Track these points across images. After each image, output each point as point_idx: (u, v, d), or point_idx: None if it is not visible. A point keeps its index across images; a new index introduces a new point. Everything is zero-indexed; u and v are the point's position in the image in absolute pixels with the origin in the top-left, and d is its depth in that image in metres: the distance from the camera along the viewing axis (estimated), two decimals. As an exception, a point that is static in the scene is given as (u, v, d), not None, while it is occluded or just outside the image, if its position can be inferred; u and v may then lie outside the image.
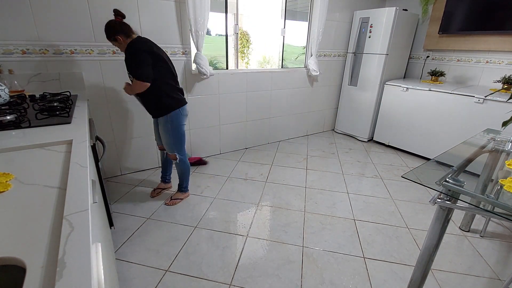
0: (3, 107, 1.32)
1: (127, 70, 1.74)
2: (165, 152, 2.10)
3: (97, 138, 1.52)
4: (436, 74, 3.23)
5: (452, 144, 1.67)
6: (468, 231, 1.95)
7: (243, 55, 4.96)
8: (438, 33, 3.19)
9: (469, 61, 3.14)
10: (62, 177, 0.79)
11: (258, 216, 2.04)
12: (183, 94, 1.93)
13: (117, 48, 2.17)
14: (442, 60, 3.37)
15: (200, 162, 2.81)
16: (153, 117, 1.96)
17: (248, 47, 5.04)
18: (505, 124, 1.32)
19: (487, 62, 3.00)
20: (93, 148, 1.35)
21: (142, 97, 1.83)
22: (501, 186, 1.10)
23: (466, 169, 1.31)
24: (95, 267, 0.51)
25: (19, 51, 1.89)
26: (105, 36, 2.18)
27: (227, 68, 2.96)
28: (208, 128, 2.92)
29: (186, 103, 1.93)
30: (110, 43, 2.13)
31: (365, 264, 1.63)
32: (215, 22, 2.95)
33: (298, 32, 3.49)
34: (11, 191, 0.73)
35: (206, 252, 1.68)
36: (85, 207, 0.64)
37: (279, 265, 1.60)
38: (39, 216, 0.63)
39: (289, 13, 3.18)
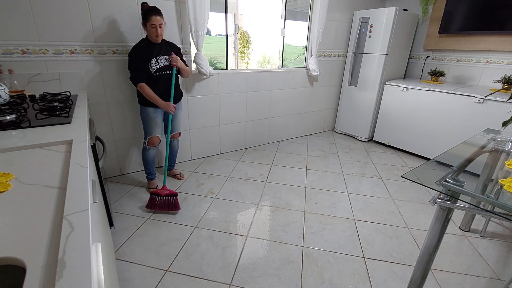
0: (3, 107, 1.32)
1: (170, 55, 2.06)
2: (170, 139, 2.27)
3: (97, 138, 1.52)
4: (436, 74, 3.23)
5: (452, 144, 1.67)
6: (468, 231, 1.95)
7: (243, 55, 4.96)
8: (438, 33, 3.19)
9: (469, 61, 3.14)
10: (62, 177, 0.79)
11: (258, 216, 2.04)
12: None
13: (117, 49, 2.20)
14: (442, 60, 3.37)
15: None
16: (173, 102, 2.12)
17: (248, 47, 5.03)
18: (505, 124, 1.32)
19: (487, 62, 3.00)
20: (93, 148, 1.34)
21: (177, 82, 2.17)
22: (501, 186, 1.10)
23: (466, 169, 1.31)
24: (95, 267, 0.51)
25: (19, 51, 1.89)
26: (104, 36, 2.19)
27: (227, 68, 2.96)
28: (208, 128, 2.92)
29: None
30: (110, 43, 2.16)
31: (365, 264, 1.63)
32: (215, 22, 2.95)
33: (298, 32, 3.49)
34: (11, 191, 0.73)
35: (206, 252, 1.68)
36: (85, 207, 0.64)
37: (279, 265, 1.60)
38: (39, 216, 0.63)
39: (289, 13, 3.18)
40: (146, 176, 2.36)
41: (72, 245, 0.52)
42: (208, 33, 2.94)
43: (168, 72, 2.06)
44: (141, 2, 1.93)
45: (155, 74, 2.01)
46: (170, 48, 2.08)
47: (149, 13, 1.87)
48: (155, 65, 2.00)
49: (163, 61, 2.02)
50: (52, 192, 0.72)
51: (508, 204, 0.97)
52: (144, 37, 2.02)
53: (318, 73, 3.37)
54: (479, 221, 2.02)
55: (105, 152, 1.46)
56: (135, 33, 2.23)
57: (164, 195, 2.04)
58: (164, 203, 2.03)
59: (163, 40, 2.05)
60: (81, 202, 0.65)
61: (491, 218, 1.96)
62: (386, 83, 3.32)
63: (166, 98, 2.09)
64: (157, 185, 2.31)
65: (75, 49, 2.05)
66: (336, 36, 3.52)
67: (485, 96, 2.50)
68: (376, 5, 3.66)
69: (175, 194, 2.06)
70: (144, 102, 2.08)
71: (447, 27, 3.10)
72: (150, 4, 2.30)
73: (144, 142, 2.18)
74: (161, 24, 1.91)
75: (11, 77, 1.76)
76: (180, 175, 2.56)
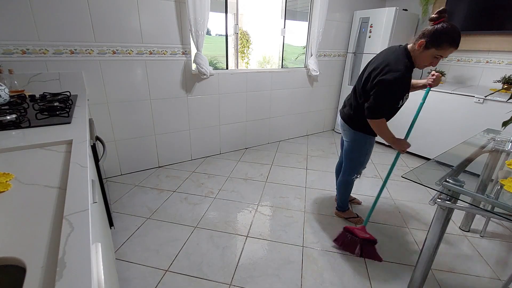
0: (3, 107, 1.31)
1: None
2: None
3: (97, 138, 1.52)
4: (436, 74, 3.22)
5: (452, 144, 1.67)
6: (468, 231, 1.95)
7: (243, 55, 4.97)
8: (438, 33, 3.19)
9: (469, 61, 3.14)
10: (62, 177, 0.79)
11: (258, 216, 2.04)
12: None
13: (117, 48, 2.20)
14: (442, 60, 3.36)
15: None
16: None
17: (248, 47, 5.04)
18: (505, 124, 1.32)
19: (487, 62, 3.00)
20: (93, 148, 1.34)
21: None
22: (501, 186, 1.10)
23: (466, 169, 1.31)
24: (95, 267, 0.51)
25: (19, 51, 1.89)
26: (104, 36, 2.18)
27: (227, 68, 2.96)
28: (208, 128, 2.92)
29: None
30: (109, 43, 2.16)
31: (365, 264, 1.63)
32: (215, 22, 2.95)
33: (298, 32, 3.50)
34: (11, 191, 0.72)
35: (206, 252, 1.68)
36: (85, 207, 0.64)
37: (279, 265, 1.60)
38: (39, 216, 0.63)
39: (289, 13, 3.18)
40: (339, 206, 2.02)
41: (72, 245, 0.52)
42: (208, 33, 2.95)
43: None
44: (440, 9, 1.34)
45: (398, 106, 1.57)
46: None
47: (452, 43, 1.29)
48: (406, 98, 1.53)
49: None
50: (52, 192, 0.72)
51: (508, 204, 0.98)
52: (404, 55, 1.41)
53: (318, 73, 3.37)
54: (479, 221, 2.02)
55: (105, 152, 1.46)
56: (135, 33, 2.23)
57: (362, 238, 1.67)
58: (355, 246, 1.68)
59: None
60: (81, 202, 0.65)
61: (491, 218, 1.96)
62: (386, 83, 3.32)
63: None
64: (356, 214, 2.03)
65: (75, 49, 2.05)
66: (336, 36, 3.52)
67: (485, 96, 2.50)
68: (376, 5, 3.65)
69: (374, 241, 1.68)
70: (372, 131, 1.62)
71: (447, 27, 3.10)
72: (149, 8, 2.15)
73: (356, 175, 1.85)
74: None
75: (11, 77, 1.76)
76: (356, 199, 2.25)
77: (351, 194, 2.15)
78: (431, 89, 1.64)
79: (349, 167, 1.84)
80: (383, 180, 1.71)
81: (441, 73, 3.20)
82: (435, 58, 1.35)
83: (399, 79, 1.36)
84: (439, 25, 1.31)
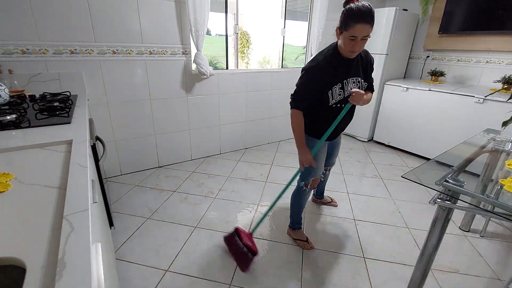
0: (3, 107, 1.31)
1: (364, 78, 1.50)
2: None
3: (97, 138, 1.52)
4: (436, 74, 3.23)
5: (452, 144, 1.67)
6: (468, 231, 1.95)
7: (243, 55, 4.97)
8: (438, 33, 3.19)
9: (469, 61, 3.14)
10: (62, 177, 0.79)
11: (258, 216, 2.04)
12: None
13: (117, 48, 2.20)
14: (442, 60, 3.37)
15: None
16: (335, 137, 1.67)
17: (248, 47, 5.04)
18: (505, 124, 1.32)
19: (487, 62, 3.00)
20: (93, 148, 1.34)
21: (351, 113, 1.55)
22: (501, 186, 1.10)
23: (466, 169, 1.31)
24: (95, 267, 0.51)
25: (19, 51, 1.89)
26: (104, 36, 2.18)
27: (227, 68, 2.96)
28: (208, 128, 2.92)
29: None
30: (109, 43, 2.16)
31: (365, 264, 1.63)
32: (215, 22, 2.95)
33: (298, 32, 3.50)
34: (11, 191, 0.72)
35: (206, 252, 1.68)
36: (85, 207, 0.64)
37: (279, 265, 1.60)
38: (39, 216, 0.63)
39: (289, 13, 3.18)
40: (290, 224, 1.81)
41: (72, 245, 0.52)
42: (208, 33, 2.94)
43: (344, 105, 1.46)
44: None
45: (333, 106, 1.44)
46: (361, 63, 1.51)
47: (355, 18, 1.25)
48: (339, 95, 1.41)
49: (350, 87, 1.43)
50: (52, 192, 0.72)
51: (508, 204, 0.97)
52: (330, 47, 1.43)
53: (318, 73, 3.36)
54: (479, 221, 2.02)
55: (105, 152, 1.46)
56: (135, 33, 2.23)
57: (243, 243, 1.56)
58: (237, 251, 1.58)
59: None
60: (81, 202, 0.65)
61: (491, 218, 1.96)
62: (386, 83, 3.32)
63: (333, 137, 1.60)
64: (307, 237, 1.78)
65: (75, 49, 2.05)
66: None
67: (485, 96, 2.50)
68: (376, 5, 3.65)
69: (254, 253, 1.53)
70: (312, 131, 1.57)
71: (447, 27, 3.10)
72: (149, 8, 2.14)
73: (305, 184, 1.66)
74: (365, 37, 1.32)
75: (11, 77, 1.76)
76: (333, 201, 2.20)
77: (328, 196, 2.21)
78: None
79: (301, 173, 1.66)
80: (277, 197, 1.66)
81: (441, 73, 3.21)
82: (351, 41, 1.33)
83: (314, 67, 1.38)
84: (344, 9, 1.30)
